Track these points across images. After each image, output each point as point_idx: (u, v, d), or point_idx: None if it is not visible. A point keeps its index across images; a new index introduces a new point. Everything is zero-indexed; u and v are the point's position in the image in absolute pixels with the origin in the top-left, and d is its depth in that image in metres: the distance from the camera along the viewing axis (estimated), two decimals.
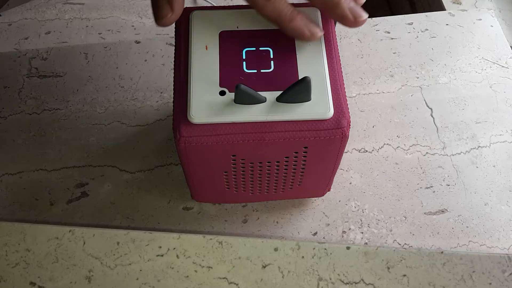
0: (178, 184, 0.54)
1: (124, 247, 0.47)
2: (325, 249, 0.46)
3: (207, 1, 0.75)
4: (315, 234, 0.51)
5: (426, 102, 0.60)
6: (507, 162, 0.56)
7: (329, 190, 0.51)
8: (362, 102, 0.60)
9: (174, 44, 0.43)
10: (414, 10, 0.82)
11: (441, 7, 0.72)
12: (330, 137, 0.37)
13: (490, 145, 0.57)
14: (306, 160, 0.41)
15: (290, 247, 0.46)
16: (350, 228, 0.51)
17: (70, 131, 0.58)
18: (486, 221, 0.52)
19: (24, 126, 0.58)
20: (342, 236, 0.51)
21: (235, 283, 0.45)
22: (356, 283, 0.45)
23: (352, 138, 0.57)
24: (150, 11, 0.76)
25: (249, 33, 0.39)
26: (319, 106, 0.37)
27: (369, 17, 0.38)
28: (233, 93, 0.37)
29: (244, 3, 0.38)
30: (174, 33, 0.41)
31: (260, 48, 0.39)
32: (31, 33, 0.73)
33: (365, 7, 0.37)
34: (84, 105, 0.60)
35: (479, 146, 0.57)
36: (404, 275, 0.45)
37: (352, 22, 0.36)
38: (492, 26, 0.67)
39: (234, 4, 0.41)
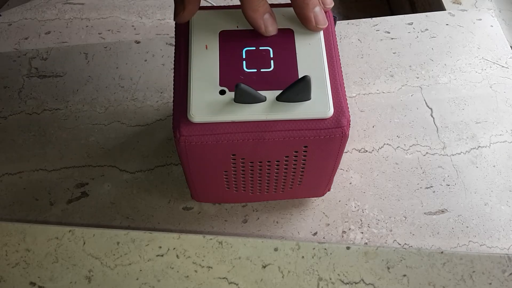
0: (178, 184, 0.54)
1: (124, 247, 0.46)
2: (325, 249, 0.46)
3: (207, 1, 0.75)
4: (315, 234, 0.51)
5: (426, 102, 0.60)
6: (507, 162, 0.56)
7: (329, 190, 0.51)
8: (362, 102, 0.60)
9: (174, 44, 0.43)
10: (414, 10, 0.82)
11: (441, 7, 0.72)
12: (330, 136, 0.37)
13: (490, 145, 0.57)
14: (306, 159, 0.41)
15: (290, 247, 0.46)
16: (350, 228, 0.51)
17: (70, 131, 0.58)
18: (486, 221, 0.52)
19: (24, 126, 0.58)
20: (342, 236, 0.51)
21: (235, 283, 0.45)
22: (356, 283, 0.45)
23: (352, 138, 0.57)
24: (150, 11, 0.76)
25: (249, 32, 0.39)
26: (319, 105, 0.37)
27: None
28: (233, 92, 0.37)
29: None
30: (174, 33, 0.41)
31: (260, 48, 0.39)
32: (31, 33, 0.73)
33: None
34: (84, 105, 0.60)
35: (479, 146, 0.57)
36: (404, 275, 0.45)
37: (313, 26, 0.39)
38: (492, 26, 0.67)
39: (234, 4, 0.41)
